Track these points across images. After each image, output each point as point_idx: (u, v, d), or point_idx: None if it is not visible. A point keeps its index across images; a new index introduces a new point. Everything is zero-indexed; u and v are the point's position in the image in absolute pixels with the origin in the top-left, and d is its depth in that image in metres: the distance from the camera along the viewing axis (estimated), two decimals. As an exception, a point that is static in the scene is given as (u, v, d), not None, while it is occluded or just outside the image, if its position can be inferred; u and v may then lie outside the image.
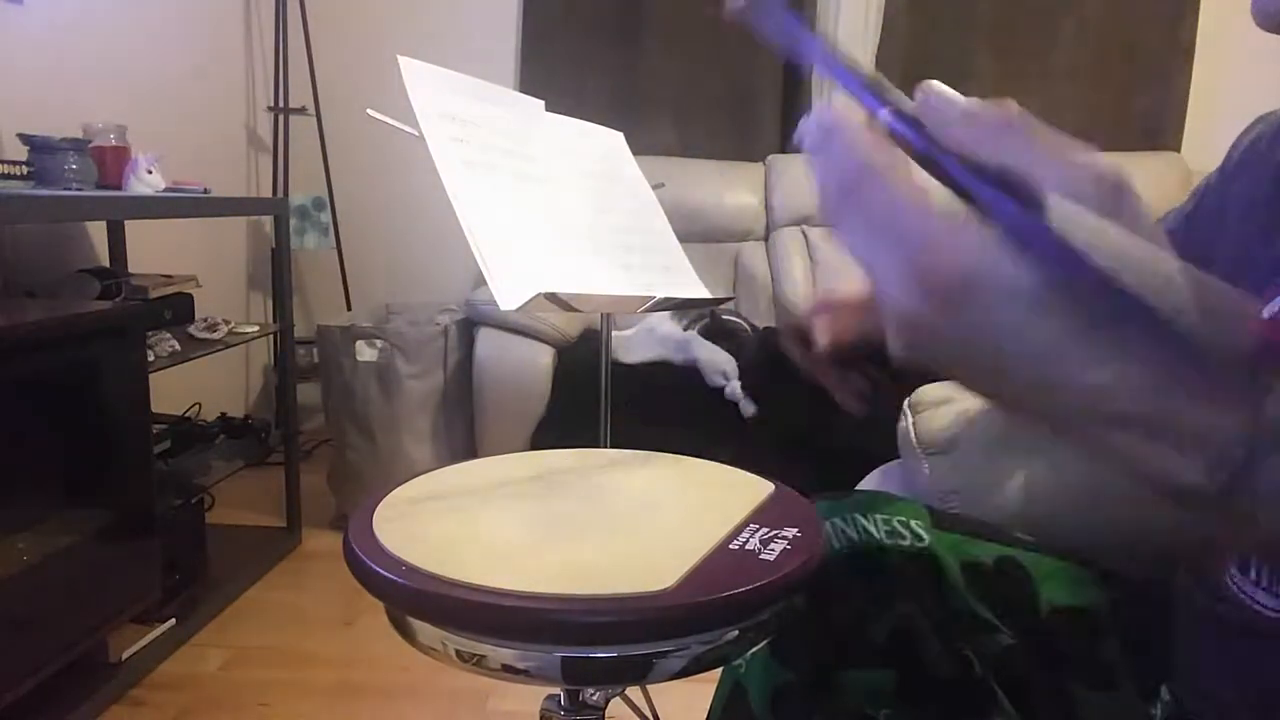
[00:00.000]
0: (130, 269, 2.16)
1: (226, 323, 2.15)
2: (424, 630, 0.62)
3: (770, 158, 2.96)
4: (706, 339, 2.24)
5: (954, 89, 0.37)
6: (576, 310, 0.77)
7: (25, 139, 1.76)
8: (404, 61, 0.72)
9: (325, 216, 3.01)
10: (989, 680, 0.70)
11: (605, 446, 1.49)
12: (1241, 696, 0.59)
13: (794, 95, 3.02)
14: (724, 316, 2.34)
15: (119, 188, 1.88)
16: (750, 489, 0.79)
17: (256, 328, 2.28)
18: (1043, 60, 2.96)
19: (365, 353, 2.33)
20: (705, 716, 0.79)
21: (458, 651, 0.60)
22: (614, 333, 1.83)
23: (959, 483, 1.04)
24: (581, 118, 0.97)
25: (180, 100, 2.60)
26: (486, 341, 2.33)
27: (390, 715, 1.65)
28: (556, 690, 0.73)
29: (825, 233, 2.82)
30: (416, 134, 0.71)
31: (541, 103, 0.89)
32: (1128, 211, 0.34)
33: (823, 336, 0.71)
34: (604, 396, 1.49)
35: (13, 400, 1.48)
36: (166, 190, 1.93)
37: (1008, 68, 2.97)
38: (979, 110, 0.36)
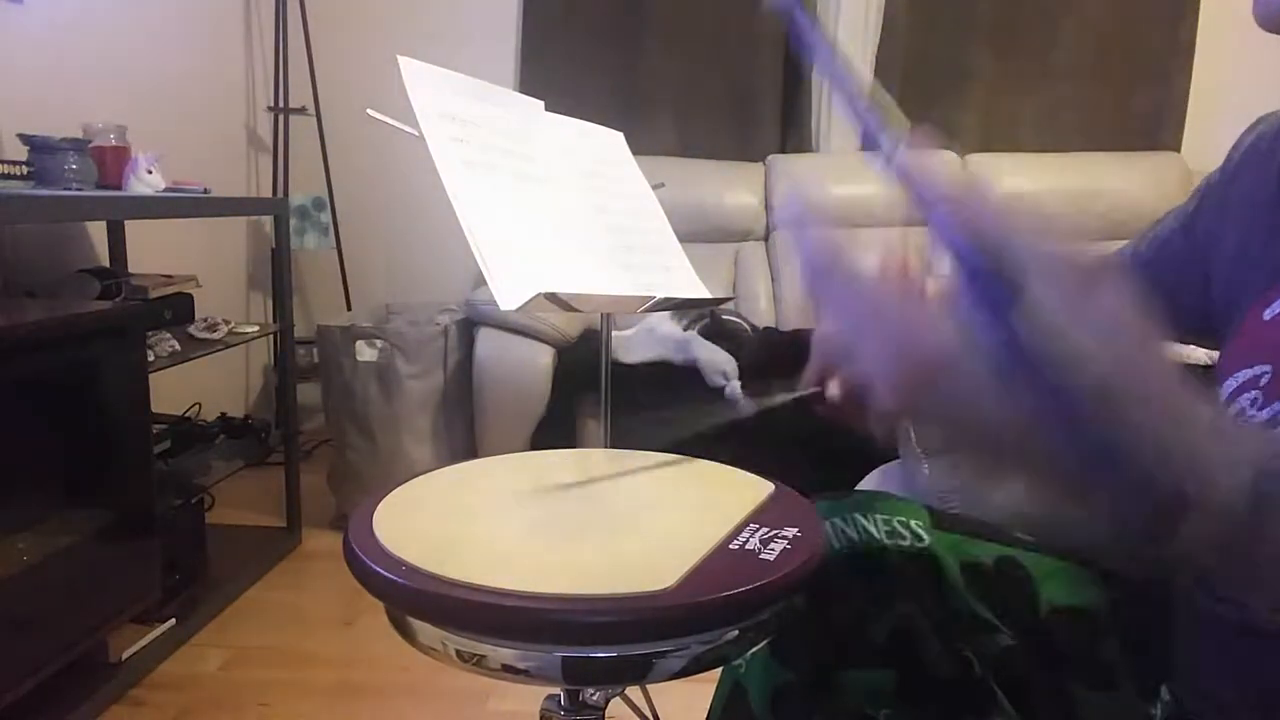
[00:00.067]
0: (130, 269, 2.16)
1: (226, 323, 2.15)
2: (424, 630, 0.62)
3: (770, 158, 2.96)
4: (706, 339, 2.24)
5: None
6: (576, 310, 0.77)
7: (25, 139, 1.76)
8: (404, 61, 0.72)
9: (325, 216, 3.01)
10: (989, 680, 0.70)
11: (605, 446, 1.49)
12: (1241, 696, 0.59)
13: (794, 95, 3.02)
14: (724, 316, 2.34)
15: (119, 188, 1.88)
16: (750, 489, 0.79)
17: (256, 328, 2.28)
18: (1043, 60, 2.96)
19: (365, 353, 2.33)
20: (705, 716, 0.79)
21: (458, 651, 0.60)
22: (614, 333, 1.83)
23: (959, 483, 1.04)
24: (581, 118, 0.97)
25: (180, 100, 2.60)
26: (486, 341, 2.32)
27: (390, 715, 1.65)
28: (556, 690, 0.73)
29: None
30: (416, 134, 0.71)
31: (541, 103, 0.89)
32: (1108, 298, 0.35)
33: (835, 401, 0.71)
34: (604, 396, 1.48)
35: (13, 400, 1.48)
36: (166, 190, 1.93)
37: (1008, 68, 2.97)
38: (960, 191, 0.37)
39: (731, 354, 2.19)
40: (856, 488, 1.14)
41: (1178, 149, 2.94)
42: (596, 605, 0.58)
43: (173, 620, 1.81)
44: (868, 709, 0.71)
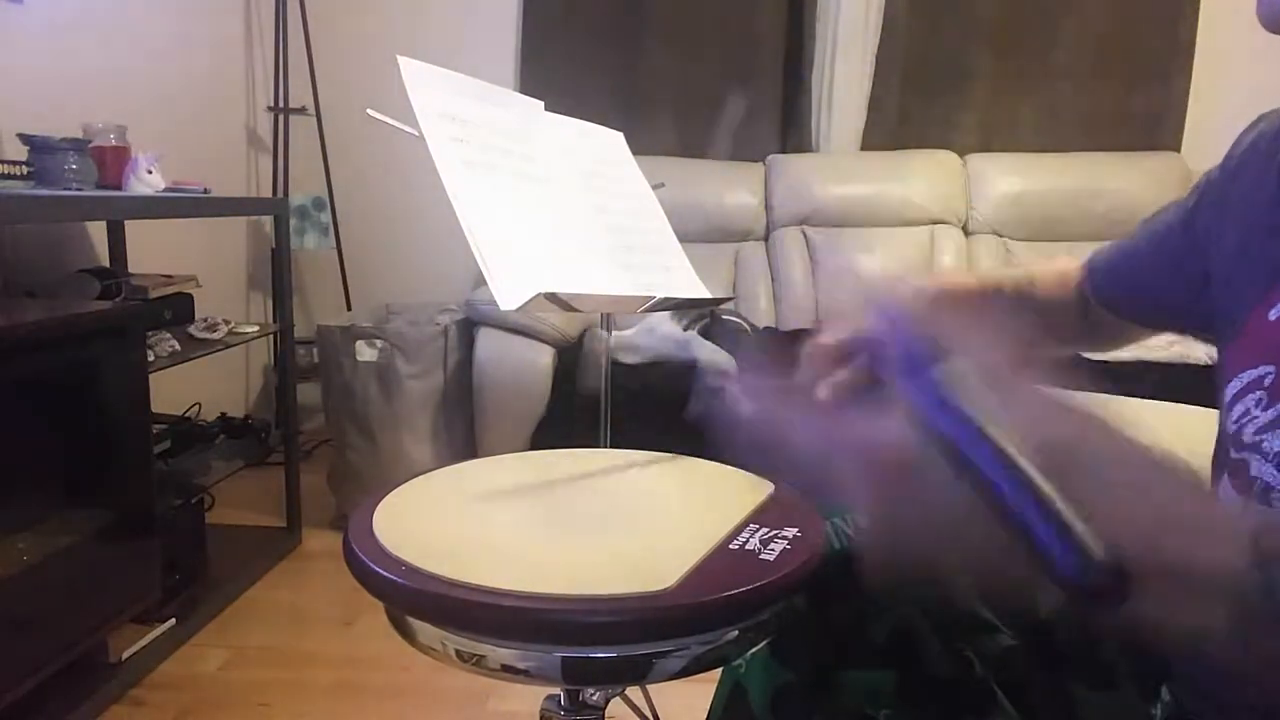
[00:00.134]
0: (130, 269, 2.16)
1: (226, 323, 2.15)
2: (424, 630, 0.62)
3: (770, 158, 2.96)
4: (706, 339, 2.24)
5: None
6: (576, 310, 0.77)
7: (25, 139, 1.76)
8: (404, 61, 0.72)
9: (325, 216, 3.01)
10: (989, 680, 0.70)
11: (605, 446, 1.49)
12: (1241, 696, 0.59)
13: (794, 95, 3.02)
14: (724, 316, 2.34)
15: (119, 188, 1.88)
16: (750, 489, 0.79)
17: (256, 328, 2.28)
18: (1043, 60, 2.96)
19: (365, 353, 2.33)
20: (705, 716, 0.79)
21: (458, 651, 0.60)
22: (614, 333, 1.83)
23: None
24: (581, 118, 0.97)
25: (180, 100, 2.60)
26: (486, 341, 2.32)
27: (390, 715, 1.65)
28: (556, 690, 0.73)
29: (825, 233, 2.82)
30: (416, 134, 0.71)
31: (541, 103, 0.89)
32: (1026, 391, 0.35)
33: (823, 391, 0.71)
34: (604, 396, 1.49)
35: (13, 400, 1.48)
36: (166, 190, 1.93)
37: (1008, 68, 2.97)
38: (880, 295, 0.38)
39: (731, 354, 2.19)
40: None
41: (1178, 149, 2.95)
42: (596, 605, 0.58)
43: (173, 620, 1.81)
44: (868, 709, 0.71)
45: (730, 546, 0.66)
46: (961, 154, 2.91)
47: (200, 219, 2.70)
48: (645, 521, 0.74)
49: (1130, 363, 2.11)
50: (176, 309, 2.12)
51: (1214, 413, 0.61)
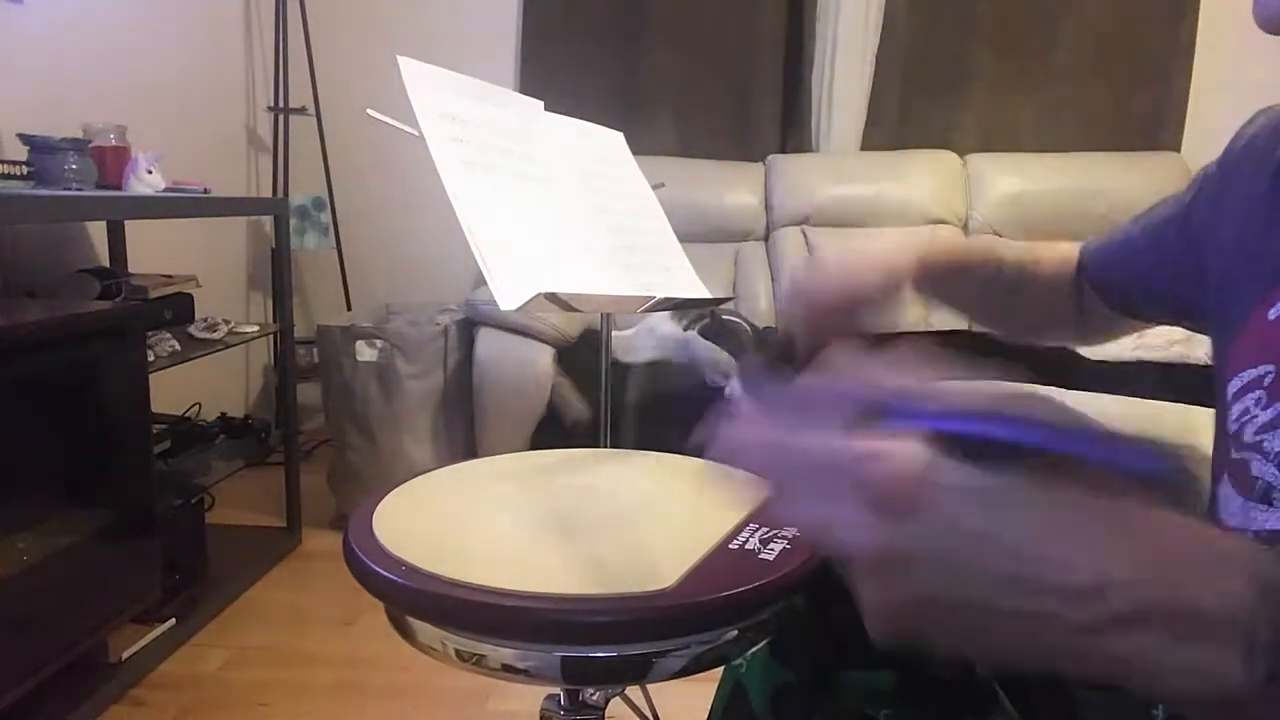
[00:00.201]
0: (130, 269, 2.16)
1: (226, 323, 2.15)
2: (424, 630, 0.62)
3: (770, 158, 2.95)
4: (706, 339, 2.23)
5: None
6: (576, 310, 0.77)
7: (25, 139, 1.76)
8: (404, 62, 0.72)
9: (325, 216, 3.01)
10: (990, 681, 0.70)
11: (605, 446, 1.49)
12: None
13: (794, 95, 3.02)
14: (724, 316, 2.34)
15: (119, 188, 1.88)
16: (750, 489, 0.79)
17: (256, 328, 2.28)
18: (1043, 60, 2.96)
19: (365, 353, 2.33)
20: (705, 716, 0.79)
21: (458, 651, 0.60)
22: (614, 333, 1.83)
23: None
24: (581, 118, 0.97)
25: (180, 100, 2.60)
26: (486, 341, 2.32)
27: (390, 715, 1.65)
28: (556, 690, 0.73)
29: (825, 233, 2.82)
30: (416, 134, 0.71)
31: (541, 103, 0.89)
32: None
33: (806, 337, 0.71)
34: (604, 396, 1.49)
35: (13, 400, 1.48)
36: (166, 190, 1.93)
37: (1008, 68, 2.97)
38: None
39: (731, 354, 2.19)
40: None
41: (1178, 149, 2.94)
42: (596, 605, 0.58)
43: (173, 620, 1.81)
44: (868, 709, 0.71)
45: (730, 546, 0.66)
46: (961, 154, 2.91)
47: (200, 219, 2.70)
48: (645, 521, 0.74)
49: (1130, 362, 2.11)
50: (176, 309, 2.12)
51: (1211, 412, 0.61)
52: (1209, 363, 0.63)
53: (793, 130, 3.04)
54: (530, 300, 0.70)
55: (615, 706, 0.82)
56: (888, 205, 2.82)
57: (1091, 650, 0.32)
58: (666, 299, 0.86)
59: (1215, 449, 0.59)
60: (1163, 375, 2.06)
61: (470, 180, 0.72)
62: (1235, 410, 0.56)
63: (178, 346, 1.93)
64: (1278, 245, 0.58)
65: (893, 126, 2.99)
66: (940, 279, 0.76)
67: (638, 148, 1.04)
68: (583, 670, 0.59)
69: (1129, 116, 2.96)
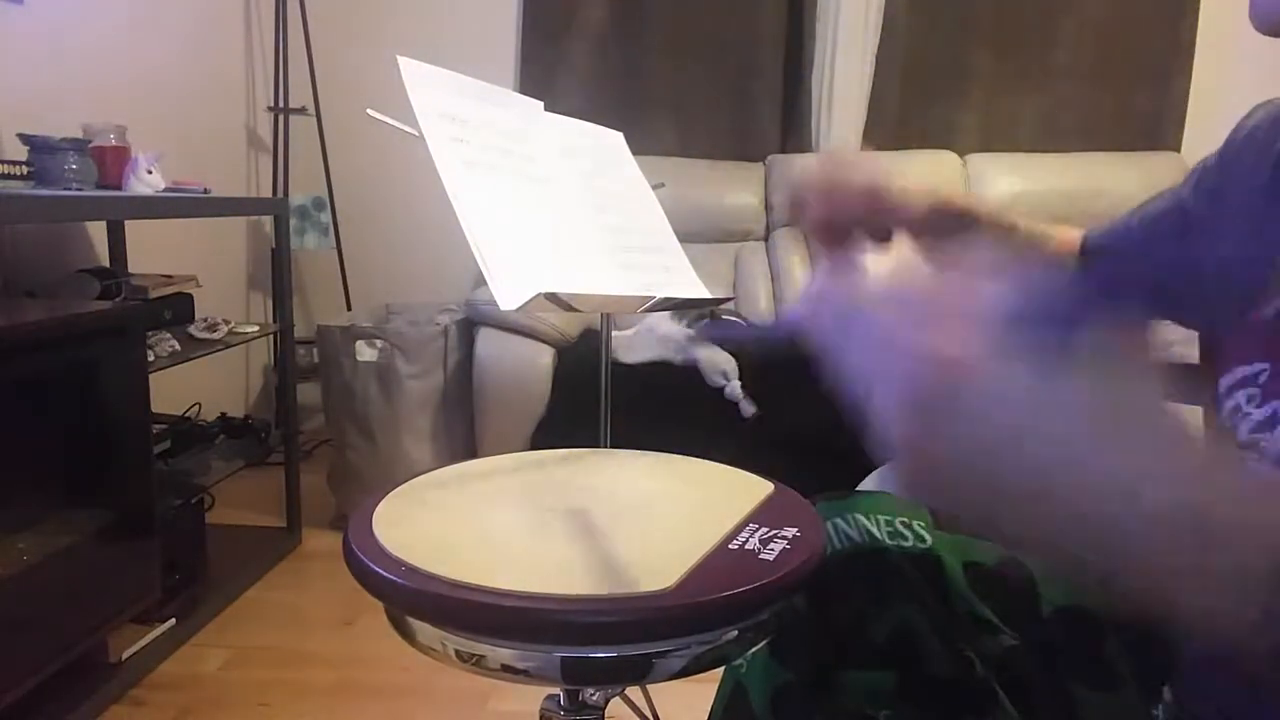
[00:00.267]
0: (130, 269, 2.16)
1: (226, 323, 2.15)
2: (424, 630, 0.62)
3: (770, 158, 2.96)
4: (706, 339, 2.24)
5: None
6: (576, 310, 0.77)
7: (25, 139, 1.76)
8: (404, 62, 0.72)
9: (325, 216, 3.01)
10: (990, 681, 0.70)
11: (605, 446, 1.49)
12: (1244, 697, 0.59)
13: (794, 95, 3.02)
14: (724, 317, 2.34)
15: (119, 188, 1.88)
16: (750, 489, 0.79)
17: (256, 328, 2.28)
18: (1043, 60, 2.96)
19: (365, 353, 2.33)
20: (705, 716, 0.79)
21: (457, 651, 0.60)
22: (614, 333, 1.83)
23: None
24: (581, 118, 0.97)
25: (180, 100, 2.60)
26: (486, 341, 2.32)
27: (390, 715, 1.65)
28: (556, 690, 0.73)
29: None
30: (416, 134, 0.71)
31: (541, 103, 0.89)
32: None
33: (819, 207, 0.69)
34: (604, 396, 1.49)
35: (13, 400, 1.48)
36: (166, 190, 1.93)
37: (1008, 68, 2.97)
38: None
39: (731, 354, 2.19)
40: (857, 488, 1.14)
41: (1178, 149, 2.94)
42: (596, 605, 0.58)
43: (173, 620, 1.81)
44: (868, 709, 0.71)
45: (730, 546, 0.66)
46: (961, 154, 2.91)
47: (200, 219, 2.70)
48: (645, 521, 0.74)
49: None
50: (176, 309, 2.12)
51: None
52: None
53: (793, 130, 3.03)
54: (530, 300, 0.70)
55: (615, 706, 0.82)
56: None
57: (1111, 547, 0.31)
58: (666, 299, 0.86)
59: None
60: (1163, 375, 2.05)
61: (470, 180, 0.72)
62: (1226, 406, 0.55)
63: (178, 346, 1.93)
64: (1278, 238, 0.57)
65: (893, 126, 2.99)
66: (953, 221, 0.74)
67: (638, 148, 1.04)
68: (583, 670, 0.59)
69: (1129, 116, 2.96)
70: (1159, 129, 2.95)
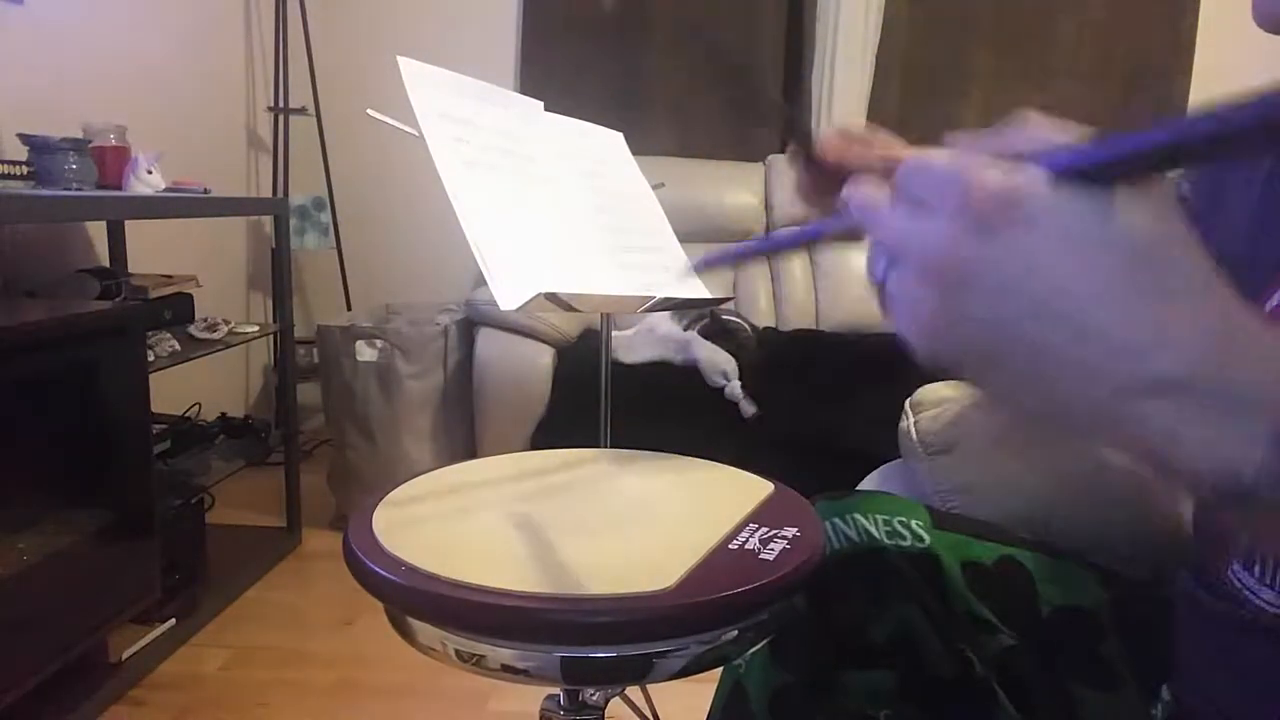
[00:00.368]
0: (130, 269, 2.16)
1: (226, 323, 2.15)
2: (424, 630, 0.62)
3: (770, 158, 2.95)
4: (706, 339, 2.24)
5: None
6: (576, 310, 0.77)
7: (25, 139, 1.76)
8: (404, 62, 0.72)
9: (325, 216, 3.01)
10: (990, 680, 0.70)
11: (605, 446, 1.49)
12: (1243, 695, 0.59)
13: (794, 96, 3.01)
14: (724, 316, 2.34)
15: (119, 188, 1.88)
16: (750, 489, 0.79)
17: (256, 328, 2.28)
18: (1043, 60, 2.96)
19: (365, 353, 2.33)
20: (705, 717, 0.79)
21: (457, 651, 0.60)
22: (614, 333, 1.82)
23: (960, 482, 1.04)
24: (581, 118, 0.97)
25: (180, 100, 2.60)
26: (486, 341, 2.32)
27: (390, 715, 1.65)
28: (556, 690, 0.73)
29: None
30: (416, 134, 0.71)
31: (541, 103, 0.89)
32: None
33: (830, 155, 0.69)
34: (604, 396, 1.48)
35: (13, 400, 1.48)
36: (166, 190, 1.93)
37: (1008, 68, 2.97)
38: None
39: (731, 354, 2.19)
40: (857, 488, 1.14)
41: (1178, 149, 2.94)
42: (596, 605, 0.58)
43: (173, 620, 1.81)
44: (868, 709, 0.71)
45: (730, 546, 0.66)
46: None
47: (200, 219, 2.70)
48: (645, 521, 0.74)
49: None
50: (176, 309, 2.12)
51: None
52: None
53: (793, 131, 3.03)
54: (530, 300, 0.70)
55: (615, 706, 0.82)
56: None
57: (1123, 412, 0.31)
58: (666, 299, 0.86)
59: None
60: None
61: (470, 180, 0.72)
62: None
63: (178, 346, 1.93)
64: (1276, 235, 0.57)
65: (893, 126, 2.96)
66: None
67: (638, 148, 1.04)
68: (583, 670, 0.59)
69: (1129, 116, 2.96)
70: (1159, 129, 2.95)
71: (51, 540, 1.52)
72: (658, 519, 0.75)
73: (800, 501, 0.76)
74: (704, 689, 0.77)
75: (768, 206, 2.88)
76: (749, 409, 2.12)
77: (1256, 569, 0.56)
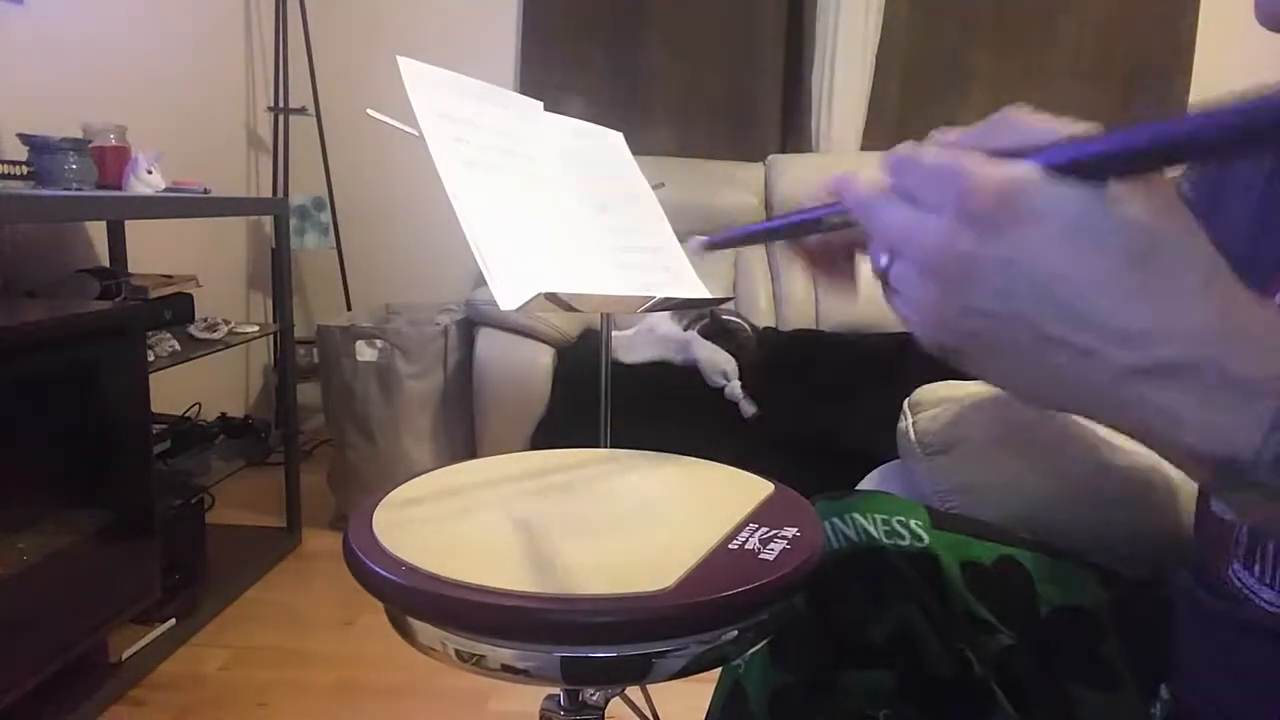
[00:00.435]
0: (130, 269, 2.16)
1: (226, 323, 2.15)
2: (424, 630, 0.62)
3: (770, 158, 2.95)
4: (706, 339, 2.24)
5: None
6: (576, 310, 0.77)
7: (25, 139, 1.76)
8: (404, 62, 0.72)
9: (325, 216, 3.01)
10: (989, 680, 0.70)
11: (605, 446, 1.49)
12: (1243, 695, 0.59)
13: (794, 95, 3.02)
14: (724, 316, 2.34)
15: (119, 188, 1.88)
16: (750, 489, 0.79)
17: (256, 328, 2.28)
18: (1043, 60, 2.96)
19: (365, 353, 2.33)
20: (705, 716, 0.79)
21: (457, 651, 0.60)
22: (614, 333, 1.83)
23: (959, 483, 1.04)
24: (581, 118, 0.97)
25: (180, 100, 2.60)
26: (486, 341, 2.32)
27: (390, 715, 1.65)
28: (556, 690, 0.73)
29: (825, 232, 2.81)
30: (416, 134, 0.71)
31: (541, 103, 0.89)
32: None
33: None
34: (604, 396, 1.49)
35: (13, 400, 1.48)
36: (166, 190, 1.93)
37: (1008, 68, 2.97)
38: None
39: (731, 354, 2.19)
40: (856, 488, 1.14)
41: (1178, 149, 2.94)
42: (596, 605, 0.58)
43: (173, 620, 1.81)
44: (868, 709, 0.71)
45: (730, 546, 0.66)
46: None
47: (200, 219, 2.70)
48: (645, 521, 0.74)
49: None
50: (176, 309, 2.12)
51: None
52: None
53: (793, 130, 3.03)
54: (530, 300, 0.70)
55: (615, 706, 0.82)
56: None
57: (1125, 396, 0.31)
58: (666, 299, 0.86)
59: None
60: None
61: (470, 180, 0.72)
62: None
63: (178, 346, 1.93)
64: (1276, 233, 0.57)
65: (893, 126, 2.99)
66: None
67: (638, 148, 1.04)
68: (583, 670, 0.59)
69: (1129, 116, 2.95)
70: (1159, 129, 2.95)
71: (51, 540, 1.52)
72: (657, 519, 0.75)
73: (800, 501, 0.76)
74: (704, 689, 0.77)
75: (768, 206, 2.88)
76: (749, 409, 2.12)
77: (1256, 569, 0.56)
